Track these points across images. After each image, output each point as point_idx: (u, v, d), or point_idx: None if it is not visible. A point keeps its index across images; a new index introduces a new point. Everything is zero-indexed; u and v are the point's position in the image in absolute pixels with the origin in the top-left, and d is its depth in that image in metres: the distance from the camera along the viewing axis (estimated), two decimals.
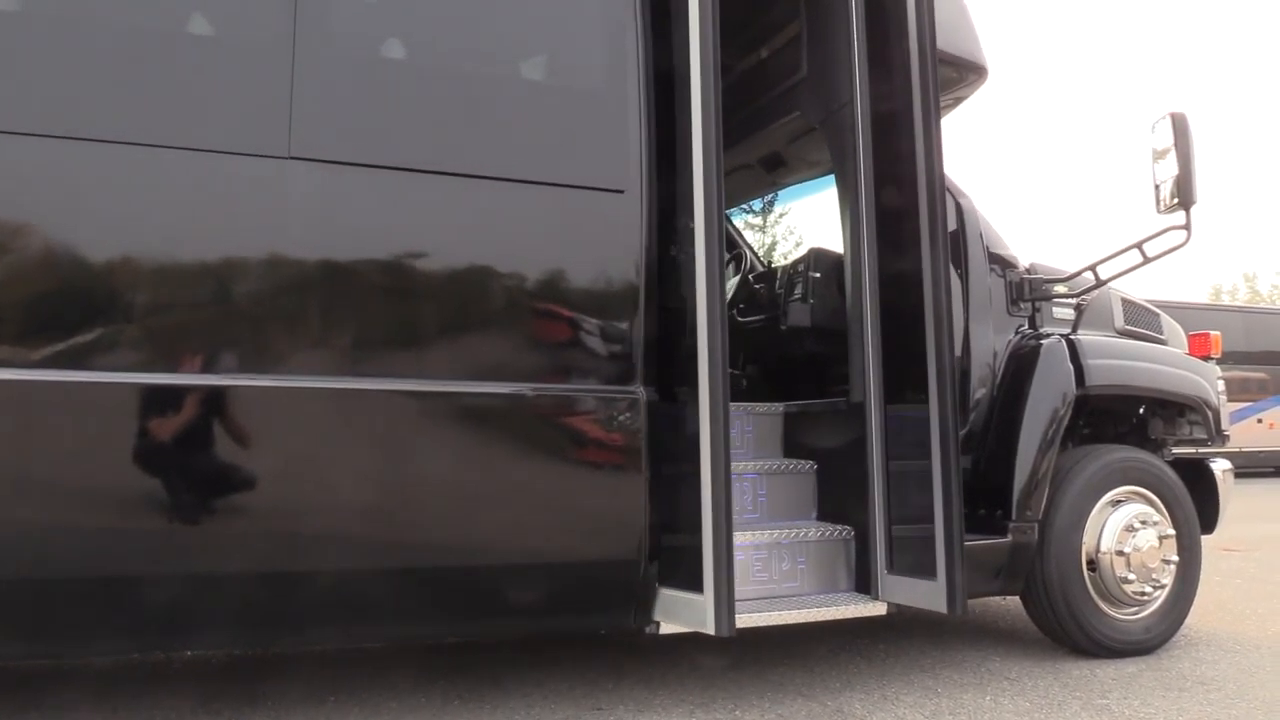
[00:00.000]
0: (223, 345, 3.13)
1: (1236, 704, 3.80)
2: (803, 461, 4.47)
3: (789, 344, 5.20)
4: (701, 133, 3.45)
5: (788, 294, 5.20)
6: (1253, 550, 8.14)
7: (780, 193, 6.41)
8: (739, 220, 7.02)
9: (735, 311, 5.83)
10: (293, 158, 3.18)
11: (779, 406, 4.71)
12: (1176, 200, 4.33)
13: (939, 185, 3.87)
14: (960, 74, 4.61)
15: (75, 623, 3.03)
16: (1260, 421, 19.30)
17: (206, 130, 3.12)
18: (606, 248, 3.59)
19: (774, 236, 9.37)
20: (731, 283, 5.96)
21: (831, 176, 4.70)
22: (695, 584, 3.37)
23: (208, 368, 3.09)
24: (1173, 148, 4.35)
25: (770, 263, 6.46)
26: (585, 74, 3.73)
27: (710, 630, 3.30)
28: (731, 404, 4.61)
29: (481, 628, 3.68)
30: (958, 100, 4.90)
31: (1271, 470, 19.56)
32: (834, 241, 4.74)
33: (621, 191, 3.59)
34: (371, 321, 3.29)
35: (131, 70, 3.09)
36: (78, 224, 3.00)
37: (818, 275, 4.98)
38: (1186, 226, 4.32)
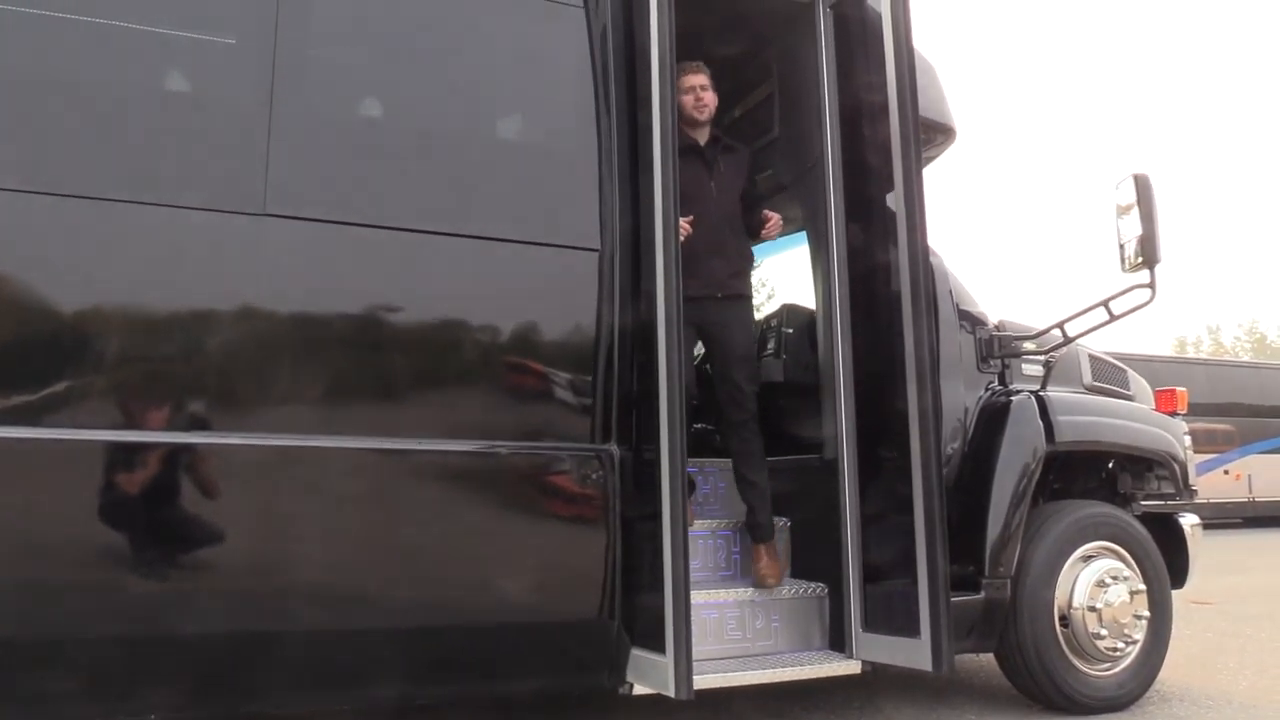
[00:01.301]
0: (193, 403, 3.11)
1: None
2: (776, 518, 4.45)
3: (762, 400, 5.20)
4: (660, 197, 3.50)
5: (760, 349, 5.21)
6: (1222, 603, 8.17)
7: (753, 248, 6.46)
8: None
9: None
10: (268, 215, 3.18)
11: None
12: (1141, 259, 4.40)
13: (921, 241, 3.91)
14: (929, 135, 4.69)
15: (33, 688, 2.95)
16: (1227, 473, 19.51)
17: (182, 186, 3.12)
18: (581, 305, 3.61)
19: None
20: None
21: (803, 233, 4.76)
22: (660, 645, 3.35)
23: (178, 425, 3.07)
24: (1136, 207, 4.43)
25: None
26: (559, 133, 3.77)
27: (670, 693, 3.28)
28: (705, 460, 4.67)
29: (451, 690, 3.61)
30: (927, 161, 4.98)
31: (1239, 521, 19.72)
32: (806, 298, 4.78)
33: (596, 250, 3.62)
34: (346, 379, 3.29)
35: (108, 126, 3.09)
36: (53, 280, 2.99)
37: (790, 331, 5.01)
38: (1151, 285, 4.38)
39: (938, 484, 3.78)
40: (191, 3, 3.27)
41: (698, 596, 3.86)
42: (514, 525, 3.48)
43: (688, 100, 4.43)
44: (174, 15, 3.22)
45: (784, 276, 5.97)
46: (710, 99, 4.50)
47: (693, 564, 4.08)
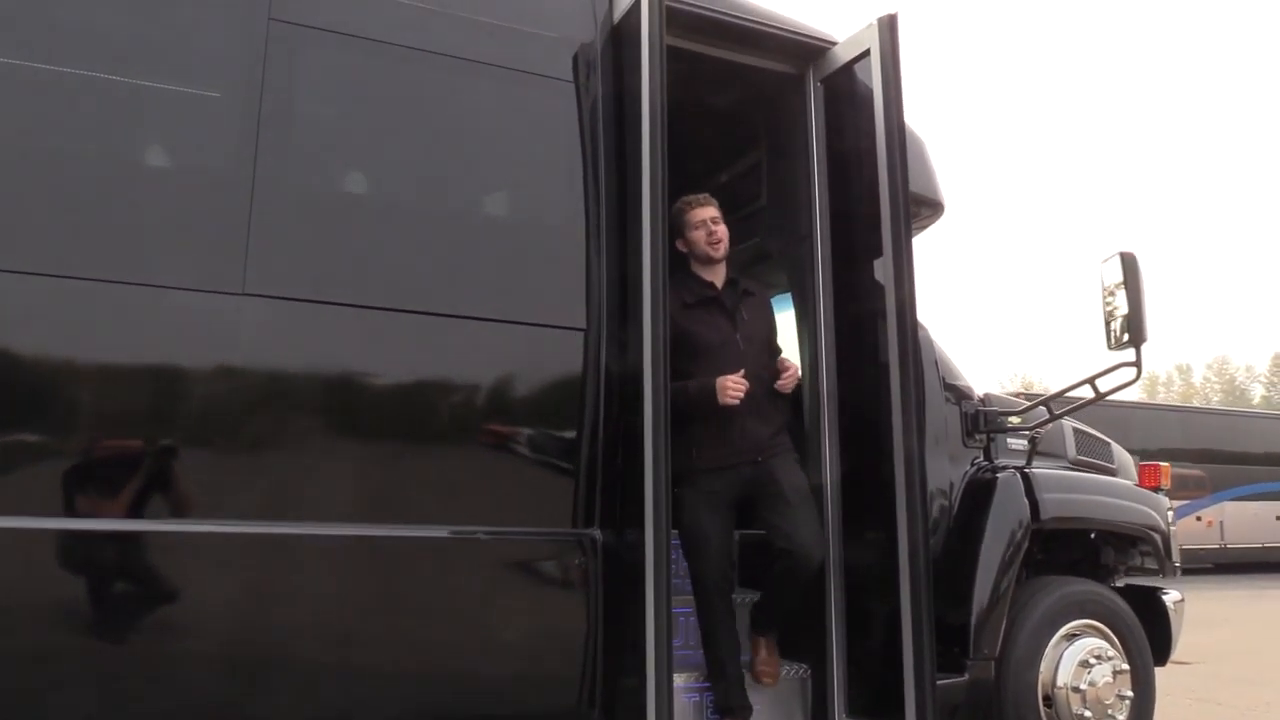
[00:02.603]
0: (170, 487, 3.02)
1: None
2: (758, 593, 4.37)
3: None
4: (649, 271, 3.46)
5: None
6: (1200, 663, 8.15)
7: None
8: None
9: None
10: (247, 294, 3.10)
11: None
12: (1127, 337, 4.37)
13: (910, 317, 3.91)
14: (917, 209, 4.67)
15: None
16: (1199, 519, 19.66)
17: (161, 265, 3.05)
18: (566, 386, 3.56)
19: None
20: None
21: (788, 297, 4.71)
22: None
23: (149, 512, 2.98)
24: (1123, 286, 4.41)
25: None
26: (546, 210, 3.72)
27: None
28: None
29: None
30: (915, 233, 4.95)
31: (1209, 567, 19.83)
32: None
33: (582, 329, 3.56)
34: (325, 464, 3.20)
35: (87, 204, 3.01)
36: (28, 359, 2.91)
37: None
38: (1137, 364, 4.36)
39: (925, 568, 3.73)
40: (175, 78, 3.20)
41: (679, 679, 3.78)
42: (494, 613, 3.38)
43: (700, 236, 4.10)
44: (157, 91, 3.14)
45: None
46: (723, 233, 4.12)
47: (675, 641, 4.01)
